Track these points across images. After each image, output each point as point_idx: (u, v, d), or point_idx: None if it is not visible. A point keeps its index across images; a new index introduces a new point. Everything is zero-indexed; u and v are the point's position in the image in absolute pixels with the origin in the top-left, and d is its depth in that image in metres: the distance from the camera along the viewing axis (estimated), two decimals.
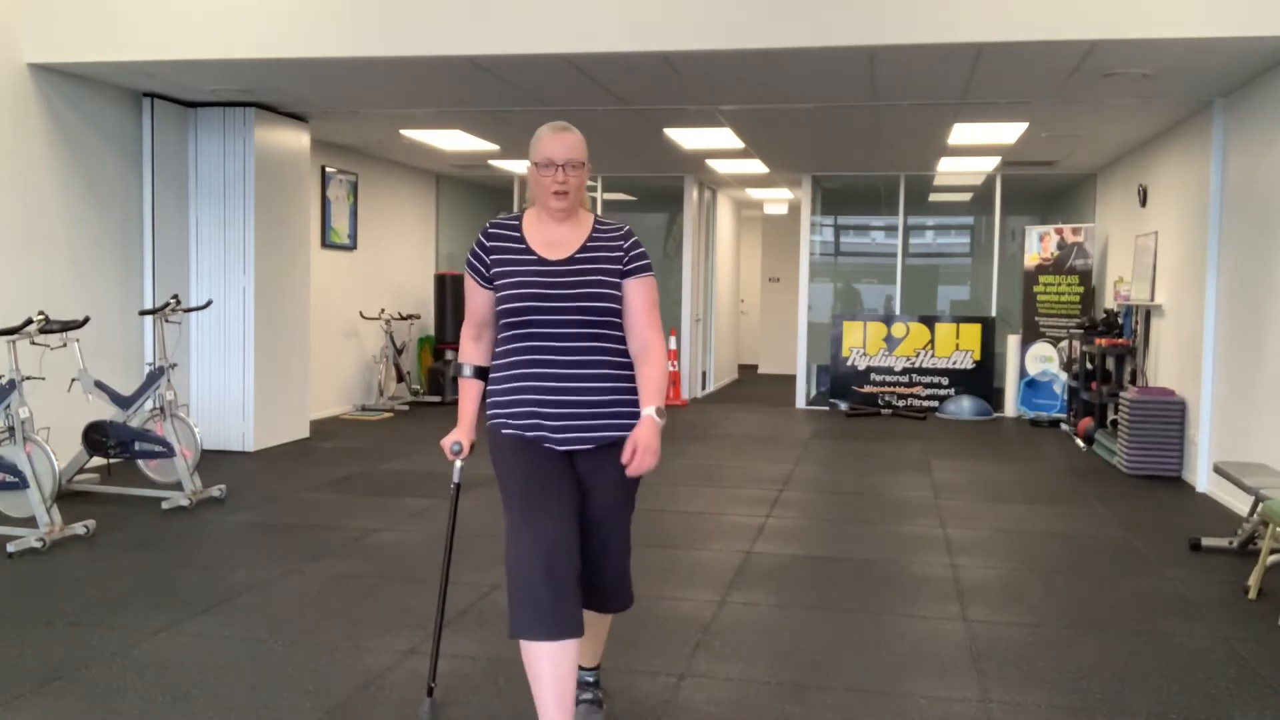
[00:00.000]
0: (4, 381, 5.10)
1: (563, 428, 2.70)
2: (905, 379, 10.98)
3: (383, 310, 10.78)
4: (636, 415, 2.74)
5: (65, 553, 4.89)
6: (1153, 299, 8.04)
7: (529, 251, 2.73)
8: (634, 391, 2.76)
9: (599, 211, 11.77)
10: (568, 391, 2.69)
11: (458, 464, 2.95)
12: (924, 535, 5.50)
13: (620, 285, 2.73)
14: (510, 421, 2.73)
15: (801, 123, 8.06)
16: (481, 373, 2.90)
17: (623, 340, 2.76)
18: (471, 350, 2.91)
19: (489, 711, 3.15)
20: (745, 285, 17.26)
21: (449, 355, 11.14)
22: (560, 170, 2.67)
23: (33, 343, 5.39)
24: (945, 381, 10.91)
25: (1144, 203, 8.59)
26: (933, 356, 10.93)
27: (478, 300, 2.84)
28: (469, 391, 2.90)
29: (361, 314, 10.40)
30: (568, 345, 2.68)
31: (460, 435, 2.89)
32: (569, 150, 2.68)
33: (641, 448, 2.58)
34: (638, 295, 2.75)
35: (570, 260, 2.71)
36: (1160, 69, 5.93)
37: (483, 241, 2.79)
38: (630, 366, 2.77)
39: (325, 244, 9.77)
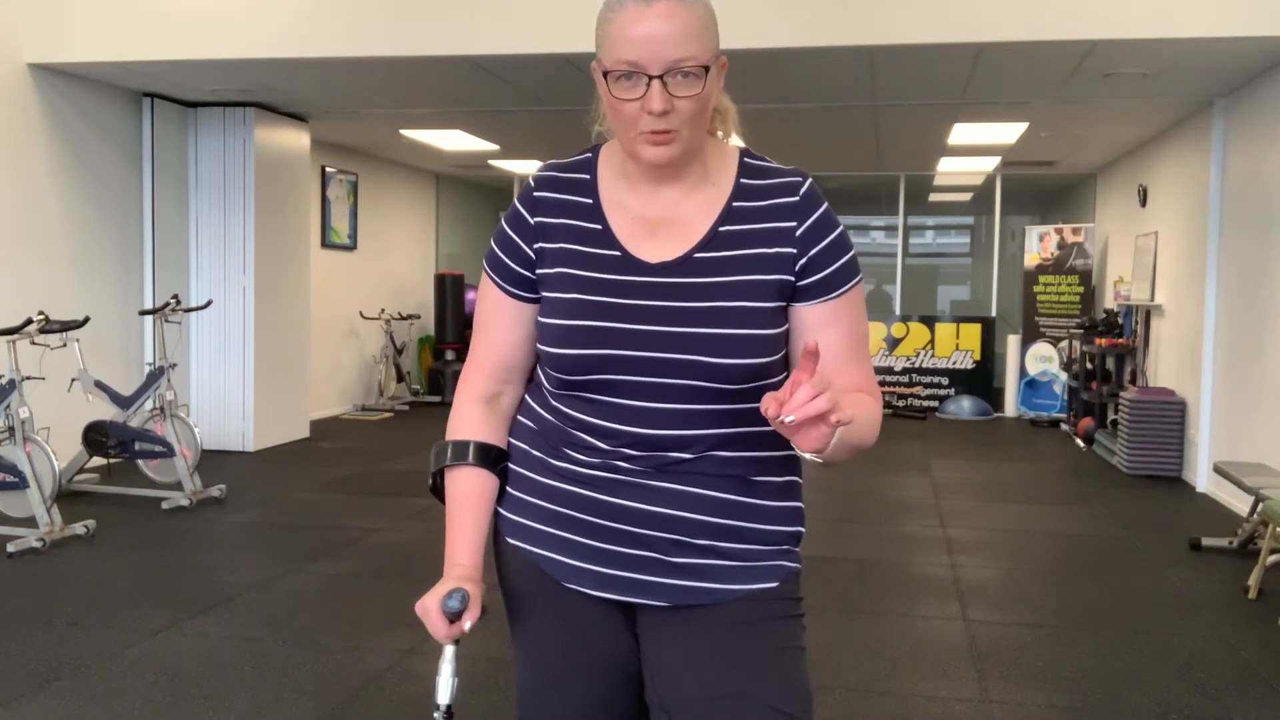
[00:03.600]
0: (4, 381, 5.10)
1: (644, 563, 1.38)
2: (905, 379, 10.98)
3: (383, 310, 10.78)
4: (786, 551, 1.43)
5: (65, 553, 4.89)
6: (1153, 299, 8.04)
7: (606, 240, 1.38)
8: (791, 496, 1.44)
9: None
10: (664, 499, 1.37)
11: (448, 655, 1.40)
12: (924, 535, 5.50)
13: (786, 313, 1.37)
14: (529, 526, 1.45)
15: (801, 123, 8.06)
16: (493, 458, 1.45)
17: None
18: (475, 417, 1.45)
19: (489, 710, 3.15)
20: None
21: (449, 355, 11.14)
22: (658, 89, 1.26)
23: (33, 343, 5.39)
24: (945, 381, 10.91)
25: (1144, 203, 8.59)
26: (933, 356, 10.93)
27: (500, 326, 1.45)
28: (469, 499, 1.43)
29: (361, 314, 10.40)
30: (669, 435, 1.36)
31: (455, 582, 1.38)
32: (675, 42, 1.25)
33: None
34: (833, 331, 1.37)
35: (683, 265, 1.35)
36: (1160, 69, 5.93)
37: (521, 215, 1.42)
38: (788, 461, 1.43)
39: (325, 244, 9.77)
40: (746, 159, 1.42)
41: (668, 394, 1.34)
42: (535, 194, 1.42)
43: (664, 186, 1.38)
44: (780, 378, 1.39)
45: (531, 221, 1.41)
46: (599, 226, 1.39)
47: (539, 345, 1.40)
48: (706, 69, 1.29)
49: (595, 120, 1.45)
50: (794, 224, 1.36)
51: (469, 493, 1.42)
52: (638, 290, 1.35)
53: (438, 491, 1.47)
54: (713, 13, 1.31)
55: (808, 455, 1.23)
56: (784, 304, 1.36)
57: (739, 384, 1.34)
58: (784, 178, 1.39)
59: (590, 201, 1.40)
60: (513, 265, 1.42)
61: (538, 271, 1.41)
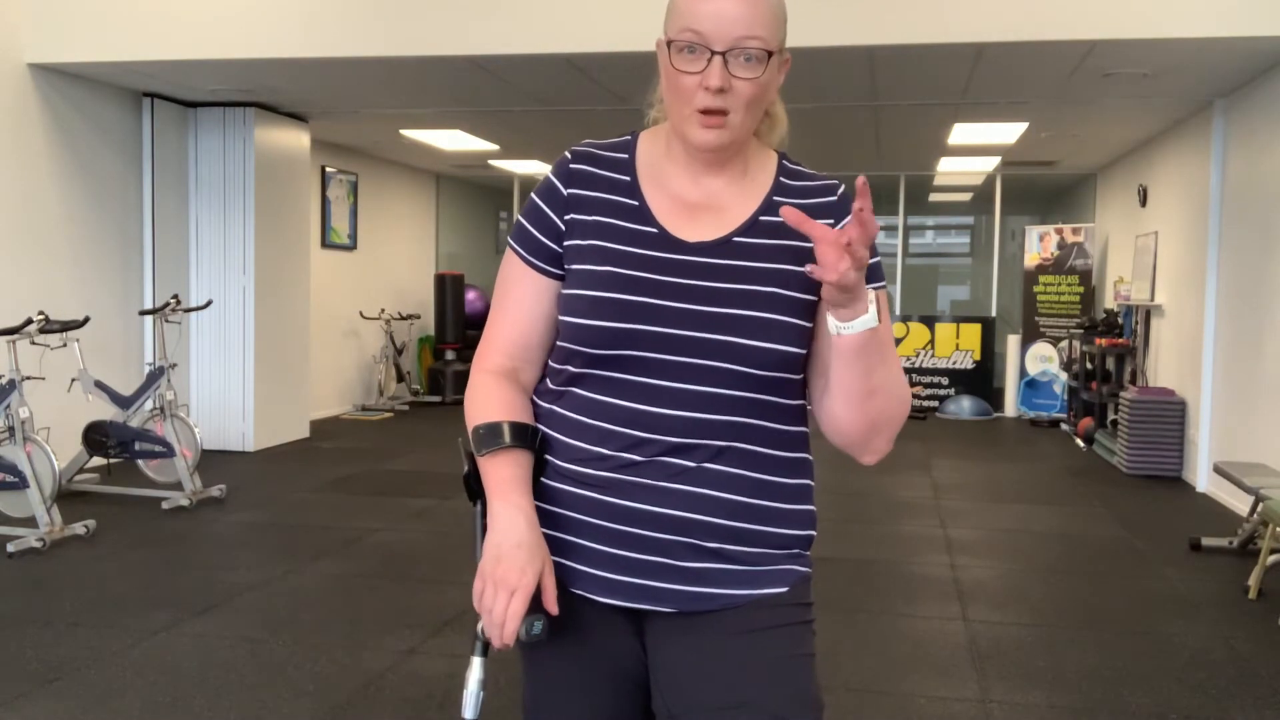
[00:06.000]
0: (4, 381, 5.10)
1: (653, 568, 1.35)
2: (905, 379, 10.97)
3: (383, 310, 10.78)
4: (796, 555, 1.40)
5: (65, 553, 4.89)
6: (1153, 299, 8.04)
7: (643, 216, 1.36)
8: (803, 499, 1.41)
9: None
10: (674, 501, 1.33)
11: (476, 668, 1.35)
12: (924, 535, 5.50)
13: (815, 310, 1.36)
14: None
15: (801, 123, 8.06)
16: (526, 437, 1.36)
17: (797, 410, 1.41)
18: (498, 394, 1.38)
19: (489, 710, 3.15)
20: None
21: (449, 355, 11.14)
22: (719, 65, 1.27)
23: (33, 343, 5.39)
24: (945, 381, 10.91)
25: (1144, 203, 8.59)
26: (933, 356, 10.93)
27: (520, 301, 1.41)
28: (512, 477, 1.33)
29: (361, 314, 10.40)
30: (685, 418, 1.33)
31: (524, 590, 1.26)
32: (744, 22, 1.27)
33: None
34: None
35: (722, 246, 1.35)
36: (1160, 69, 5.93)
37: (554, 186, 1.40)
38: (800, 464, 1.41)
39: (325, 244, 9.77)
40: (785, 161, 1.46)
41: (690, 374, 1.32)
42: (571, 166, 1.40)
43: (705, 176, 1.39)
44: (799, 377, 1.40)
45: (564, 193, 1.39)
46: (636, 203, 1.38)
47: (561, 317, 1.36)
48: (770, 54, 1.29)
49: (651, 104, 1.47)
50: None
51: (517, 475, 1.33)
52: (673, 267, 1.33)
53: (472, 486, 1.35)
54: (784, 6, 1.34)
55: (831, 321, 1.25)
56: (816, 299, 1.36)
57: (763, 370, 1.32)
58: (822, 181, 1.45)
59: (628, 179, 1.39)
60: (540, 237, 1.39)
61: (566, 244, 1.38)
